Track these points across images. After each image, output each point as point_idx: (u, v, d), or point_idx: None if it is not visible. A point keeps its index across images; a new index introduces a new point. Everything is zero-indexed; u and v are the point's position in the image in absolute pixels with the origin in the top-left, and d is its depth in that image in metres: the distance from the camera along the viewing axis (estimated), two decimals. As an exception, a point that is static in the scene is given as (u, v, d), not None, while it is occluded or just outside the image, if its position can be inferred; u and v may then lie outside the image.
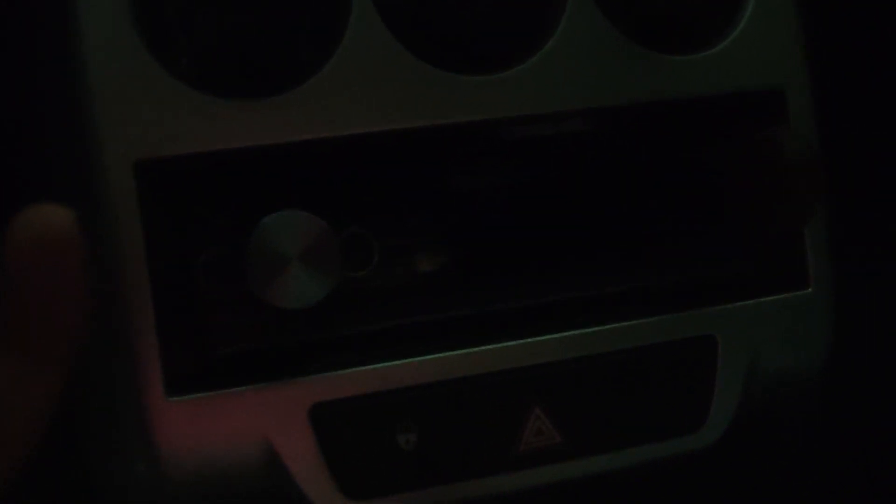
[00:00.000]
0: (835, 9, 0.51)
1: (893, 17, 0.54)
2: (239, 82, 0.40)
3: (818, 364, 0.48)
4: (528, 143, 0.45)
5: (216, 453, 0.40)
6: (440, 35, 0.42)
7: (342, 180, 0.43)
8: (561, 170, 0.46)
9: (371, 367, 0.41)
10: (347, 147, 0.41)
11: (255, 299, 0.38)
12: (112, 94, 0.39)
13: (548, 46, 0.43)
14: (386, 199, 0.43)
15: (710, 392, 0.46)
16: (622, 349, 0.44)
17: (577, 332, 0.44)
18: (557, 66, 0.43)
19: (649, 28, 0.45)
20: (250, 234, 0.38)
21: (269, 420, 0.40)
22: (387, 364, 0.41)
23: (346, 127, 0.40)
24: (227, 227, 0.40)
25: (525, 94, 0.43)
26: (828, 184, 0.45)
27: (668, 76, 0.45)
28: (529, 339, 0.43)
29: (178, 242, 0.40)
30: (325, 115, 0.40)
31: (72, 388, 0.42)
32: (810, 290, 0.47)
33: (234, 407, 0.40)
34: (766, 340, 0.47)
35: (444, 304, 0.43)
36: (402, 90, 0.41)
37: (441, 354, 0.42)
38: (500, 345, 0.43)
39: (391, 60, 0.41)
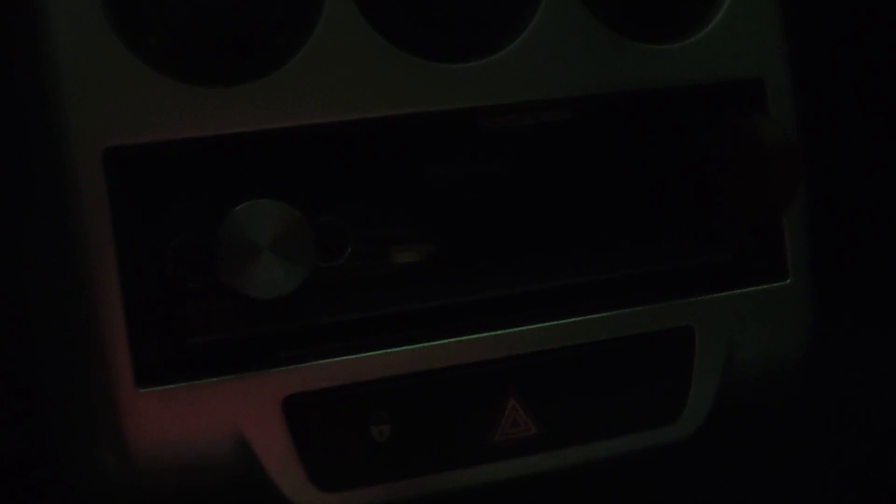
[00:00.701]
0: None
1: (873, 5, 0.54)
2: (211, 69, 0.39)
3: (796, 355, 0.48)
4: (504, 132, 0.44)
5: (187, 445, 0.39)
6: (416, 22, 0.42)
7: (316, 169, 0.42)
8: (537, 159, 0.45)
9: (344, 358, 0.41)
10: (321, 135, 0.40)
11: (227, 289, 0.38)
12: (80, 80, 0.38)
13: (525, 34, 0.43)
14: (360, 189, 0.43)
15: (687, 383, 0.46)
16: (599, 340, 0.44)
17: (553, 322, 0.43)
18: (535, 54, 0.43)
19: (628, 16, 0.45)
20: (221, 222, 0.38)
21: (241, 412, 0.40)
22: (360, 355, 0.41)
23: (320, 115, 0.40)
24: (198, 216, 0.40)
25: (502, 82, 0.42)
26: (806, 172, 0.44)
27: (647, 65, 0.45)
28: (505, 330, 0.43)
29: (148, 231, 0.39)
30: (299, 102, 0.40)
31: (42, 381, 0.41)
32: (788, 280, 0.47)
33: (205, 398, 0.39)
34: (744, 331, 0.46)
35: (418, 295, 0.43)
36: (376, 78, 0.41)
37: (415, 346, 0.42)
38: (475, 336, 0.42)
39: (366, 48, 0.41)
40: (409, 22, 0.41)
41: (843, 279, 0.55)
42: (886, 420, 0.56)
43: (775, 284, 0.47)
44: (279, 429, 0.40)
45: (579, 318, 0.44)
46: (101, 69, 0.38)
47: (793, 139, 0.44)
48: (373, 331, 0.42)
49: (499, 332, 0.43)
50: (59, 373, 0.40)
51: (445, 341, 0.42)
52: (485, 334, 0.43)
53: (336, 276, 0.42)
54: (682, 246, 0.47)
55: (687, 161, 0.46)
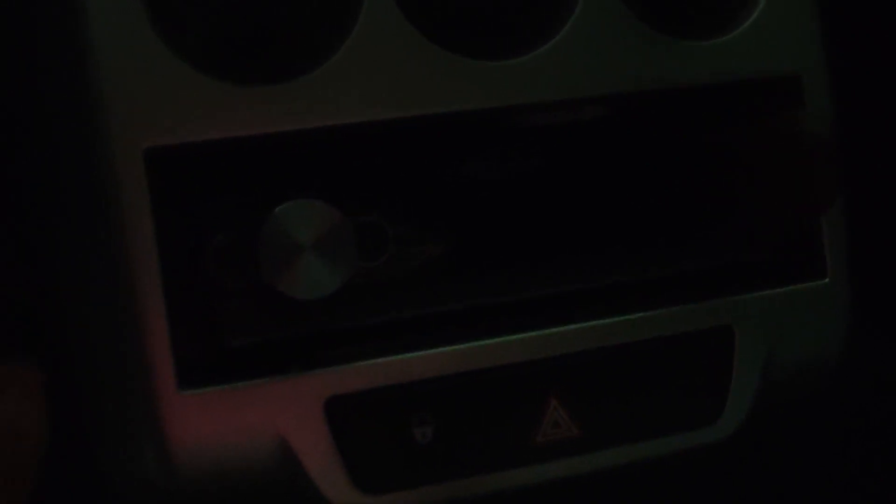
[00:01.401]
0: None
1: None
2: (251, 67, 0.39)
3: (835, 355, 0.48)
4: (544, 129, 0.44)
5: (229, 448, 0.39)
6: (455, 19, 0.41)
7: (356, 168, 0.42)
8: (577, 157, 0.45)
9: (386, 359, 0.40)
10: (362, 134, 0.40)
11: (269, 290, 0.38)
12: (120, 80, 0.38)
13: (564, 31, 0.42)
14: (401, 188, 0.43)
15: (727, 383, 0.45)
16: (639, 340, 0.44)
17: (594, 322, 0.43)
18: (574, 51, 0.42)
19: (665, 12, 0.44)
20: (263, 222, 0.37)
21: (282, 414, 0.39)
22: (402, 356, 0.41)
23: (360, 114, 0.40)
24: (240, 216, 0.39)
25: (542, 79, 0.42)
26: (845, 171, 0.44)
27: (685, 62, 0.44)
28: (546, 331, 0.42)
29: (190, 232, 0.39)
30: (339, 101, 0.39)
31: (82, 384, 0.41)
32: (827, 279, 0.47)
33: (247, 400, 0.39)
34: (783, 331, 0.46)
35: (460, 295, 0.42)
36: (416, 76, 0.40)
37: (457, 346, 0.41)
38: (516, 336, 0.42)
39: (406, 45, 0.40)
40: (448, 19, 0.41)
41: (884, 279, 0.54)
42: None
43: (814, 283, 0.47)
44: (321, 431, 0.40)
45: (619, 319, 0.44)
46: (142, 69, 0.38)
47: (832, 138, 0.43)
48: (414, 331, 0.41)
49: (539, 333, 0.42)
50: (101, 376, 0.40)
51: (487, 342, 0.42)
52: (525, 335, 0.42)
53: (377, 275, 0.42)
54: (720, 245, 0.46)
55: (725, 159, 0.46)
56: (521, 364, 0.42)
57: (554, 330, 0.43)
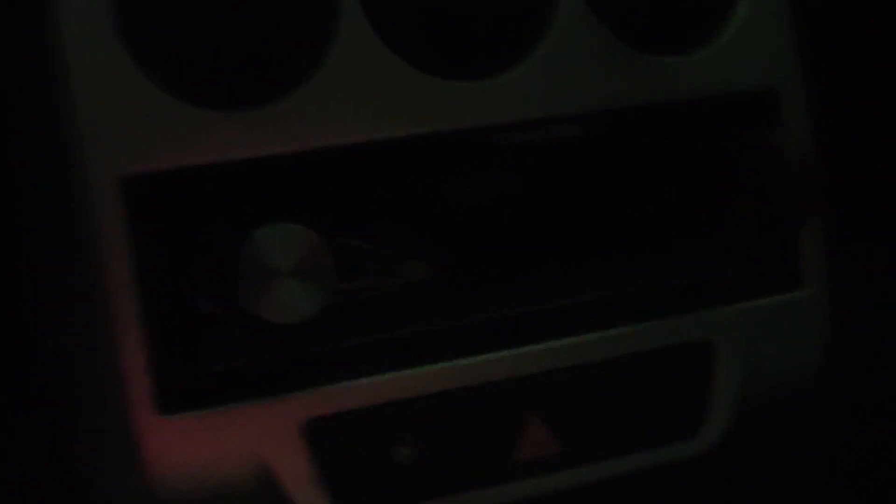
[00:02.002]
0: (829, 8, 0.51)
1: (888, 16, 0.54)
2: (227, 93, 0.39)
3: (815, 365, 0.48)
4: (520, 149, 0.44)
5: (209, 472, 0.39)
6: (431, 40, 0.41)
7: (334, 191, 0.42)
8: (555, 176, 0.45)
9: (366, 380, 0.40)
10: (339, 157, 0.40)
11: (249, 314, 0.38)
12: (96, 107, 0.38)
13: (540, 50, 0.42)
14: (379, 210, 0.43)
15: (707, 396, 0.45)
16: (618, 356, 0.44)
17: (573, 339, 0.43)
18: (551, 69, 0.42)
19: (642, 29, 0.44)
20: (241, 247, 0.37)
21: (263, 437, 0.39)
22: (381, 377, 0.41)
23: (338, 137, 0.40)
24: (220, 241, 0.39)
25: (518, 98, 0.42)
26: (824, 183, 0.44)
27: (661, 78, 0.44)
28: (525, 348, 0.43)
29: (169, 258, 0.39)
30: (317, 125, 0.39)
31: (63, 410, 0.41)
32: (805, 290, 0.47)
33: (227, 424, 0.39)
34: (761, 343, 0.46)
35: (439, 315, 0.42)
36: (393, 98, 0.40)
37: (436, 365, 0.41)
38: (495, 354, 0.42)
39: (382, 67, 0.40)
40: (424, 40, 0.41)
41: (861, 289, 0.54)
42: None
43: (792, 295, 0.47)
44: (301, 454, 0.40)
45: (598, 335, 0.44)
46: (117, 95, 0.38)
47: (812, 152, 0.43)
48: (393, 351, 0.42)
49: (519, 351, 0.43)
50: (81, 402, 0.40)
51: (466, 361, 0.42)
52: (504, 353, 0.42)
53: (356, 297, 0.42)
54: (698, 259, 0.47)
55: (703, 174, 0.46)
56: (500, 382, 0.42)
57: (533, 347, 0.43)
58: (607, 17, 0.44)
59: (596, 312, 0.45)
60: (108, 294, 0.38)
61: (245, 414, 0.39)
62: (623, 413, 0.44)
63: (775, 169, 0.43)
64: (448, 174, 0.44)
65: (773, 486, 0.55)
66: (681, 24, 0.45)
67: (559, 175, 0.45)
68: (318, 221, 0.39)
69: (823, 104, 0.47)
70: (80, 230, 0.38)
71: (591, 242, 0.46)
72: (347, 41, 0.40)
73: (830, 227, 0.47)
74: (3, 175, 0.43)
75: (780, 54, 0.46)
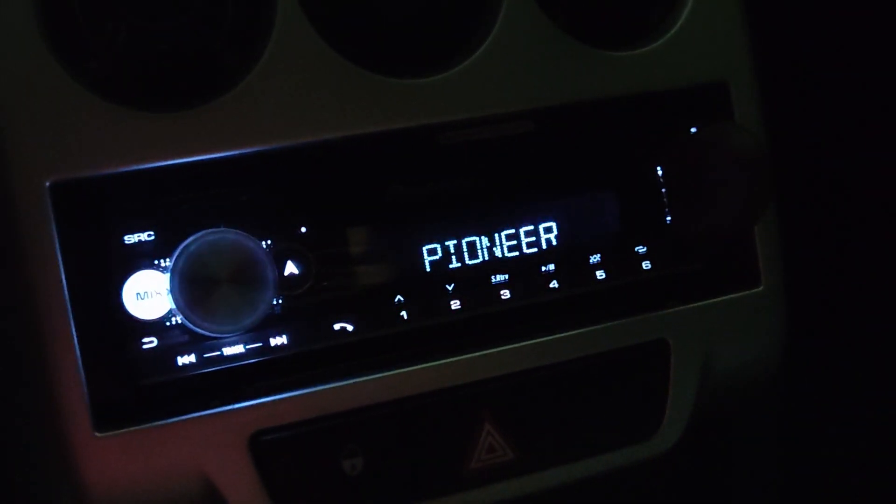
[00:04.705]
0: (779, 1, 0.50)
1: (837, 9, 0.53)
2: (157, 93, 0.37)
3: (773, 362, 0.47)
4: (468, 146, 0.43)
5: (150, 489, 0.38)
6: (372, 37, 0.40)
7: (274, 193, 0.40)
8: (501, 173, 0.44)
9: (311, 390, 0.39)
10: (279, 159, 0.39)
11: (186, 325, 0.36)
12: (20, 111, 0.36)
13: (485, 46, 0.41)
14: (322, 211, 0.41)
15: (664, 396, 0.45)
16: (572, 359, 0.43)
17: (526, 342, 0.42)
18: (496, 66, 0.41)
19: (590, 24, 0.43)
20: (176, 256, 0.36)
21: (205, 452, 0.38)
22: (328, 386, 0.39)
23: (276, 138, 0.38)
24: (153, 250, 0.38)
25: (464, 96, 0.41)
26: (776, 179, 0.43)
27: (610, 73, 0.43)
28: (476, 353, 0.41)
29: (101, 268, 0.37)
30: (253, 125, 0.38)
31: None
32: (762, 287, 0.46)
33: (167, 439, 0.37)
34: (719, 340, 0.45)
35: (385, 321, 0.41)
36: (333, 97, 0.39)
37: (384, 373, 0.40)
38: (445, 360, 0.41)
39: (321, 65, 0.39)
40: (365, 37, 0.40)
41: (817, 284, 0.54)
42: (863, 424, 0.55)
43: (749, 292, 0.46)
44: (246, 467, 0.38)
45: (552, 337, 0.43)
46: (43, 98, 0.36)
47: (761, 146, 0.42)
48: (340, 361, 0.40)
49: (470, 356, 0.41)
50: (16, 420, 0.38)
51: (415, 367, 0.41)
52: (455, 358, 0.41)
53: (299, 304, 0.41)
54: (653, 257, 0.46)
55: (654, 171, 0.45)
56: (451, 389, 0.41)
57: (485, 352, 0.42)
58: (555, 12, 0.43)
59: (549, 315, 0.44)
60: (38, 310, 0.36)
61: (186, 428, 0.38)
62: (579, 417, 0.43)
63: (726, 163, 0.42)
64: (394, 174, 0.42)
65: (730, 482, 0.54)
66: (630, 19, 0.45)
67: (507, 173, 0.44)
68: (259, 226, 0.37)
69: (776, 97, 0.47)
70: (8, 242, 0.36)
71: (541, 242, 0.45)
72: (284, 38, 0.38)
73: (786, 224, 0.47)
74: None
75: (730, 47, 0.46)
